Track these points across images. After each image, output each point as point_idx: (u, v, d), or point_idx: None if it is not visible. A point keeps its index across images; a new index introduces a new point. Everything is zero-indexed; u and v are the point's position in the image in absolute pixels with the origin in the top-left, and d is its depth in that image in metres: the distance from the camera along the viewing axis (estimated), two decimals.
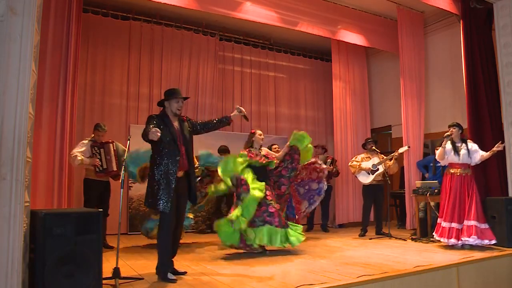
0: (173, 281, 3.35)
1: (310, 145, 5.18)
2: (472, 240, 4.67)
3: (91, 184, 5.14)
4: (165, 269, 3.44)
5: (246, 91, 8.36)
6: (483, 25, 6.18)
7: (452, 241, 4.78)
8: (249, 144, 5.06)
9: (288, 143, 5.19)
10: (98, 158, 5.11)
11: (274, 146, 6.37)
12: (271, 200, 4.75)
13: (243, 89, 8.33)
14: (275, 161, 5.09)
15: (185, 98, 3.77)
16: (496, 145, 4.93)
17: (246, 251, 4.64)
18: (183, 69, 7.59)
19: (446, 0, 6.32)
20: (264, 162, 4.92)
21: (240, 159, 4.82)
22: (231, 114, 4.03)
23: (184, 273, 3.63)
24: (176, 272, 3.59)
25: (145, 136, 3.40)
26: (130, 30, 7.21)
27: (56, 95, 4.76)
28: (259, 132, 5.13)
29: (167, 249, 3.49)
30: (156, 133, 3.28)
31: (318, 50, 9.09)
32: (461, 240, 4.73)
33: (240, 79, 8.31)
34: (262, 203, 4.65)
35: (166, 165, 3.46)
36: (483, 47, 6.10)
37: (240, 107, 4.06)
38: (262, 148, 5.15)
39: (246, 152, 4.91)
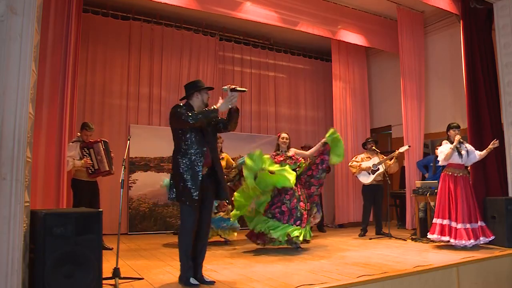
0: (196, 286, 3.15)
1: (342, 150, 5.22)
2: (491, 238, 4.78)
3: (81, 185, 4.99)
4: (188, 274, 3.20)
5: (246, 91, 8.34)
6: (483, 25, 6.18)
7: (472, 241, 4.74)
8: (276, 148, 5.31)
9: (324, 139, 5.17)
10: (89, 159, 4.98)
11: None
12: (288, 199, 4.86)
13: None
14: (303, 163, 5.25)
15: (211, 88, 3.64)
16: (492, 143, 4.97)
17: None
18: (183, 69, 7.59)
19: (446, 0, 6.32)
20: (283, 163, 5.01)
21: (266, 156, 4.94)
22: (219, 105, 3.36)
23: (212, 282, 3.30)
24: (203, 281, 3.28)
25: (204, 115, 3.16)
26: (130, 30, 7.21)
27: (56, 95, 4.75)
28: (282, 135, 5.31)
29: (188, 250, 3.23)
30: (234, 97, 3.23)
31: (318, 50, 9.09)
32: (479, 239, 4.77)
33: (240, 79, 8.30)
34: (277, 199, 4.86)
35: (191, 155, 3.23)
36: (483, 47, 6.09)
37: (226, 87, 3.38)
38: (290, 149, 5.29)
39: (270, 157, 5.05)
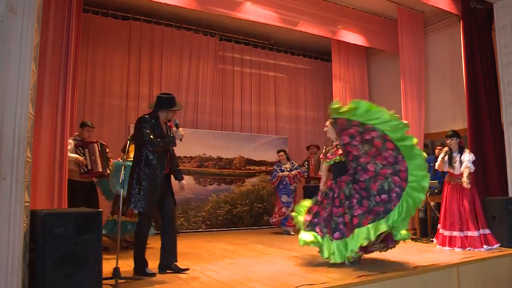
0: (152, 275, 3.51)
1: None
2: (495, 247, 4.71)
3: (75, 185, 4.87)
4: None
5: (246, 91, 8.36)
6: (483, 25, 6.18)
7: (457, 250, 4.76)
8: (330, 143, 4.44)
9: None
10: (83, 158, 4.92)
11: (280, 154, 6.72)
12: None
13: (243, 89, 8.34)
14: None
15: (179, 109, 3.93)
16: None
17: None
18: (183, 69, 7.59)
19: (446, 0, 6.32)
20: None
21: None
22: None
23: (186, 269, 3.70)
24: (178, 269, 3.67)
25: (164, 144, 3.59)
26: (130, 30, 7.22)
27: (56, 95, 4.75)
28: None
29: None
30: (182, 133, 3.65)
31: (318, 50, 9.09)
32: (484, 247, 4.68)
33: (240, 79, 8.32)
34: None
35: (155, 166, 3.57)
36: (483, 47, 6.09)
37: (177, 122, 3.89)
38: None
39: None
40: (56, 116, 4.74)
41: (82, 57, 6.12)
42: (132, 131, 6.64)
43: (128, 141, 4.10)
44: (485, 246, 4.70)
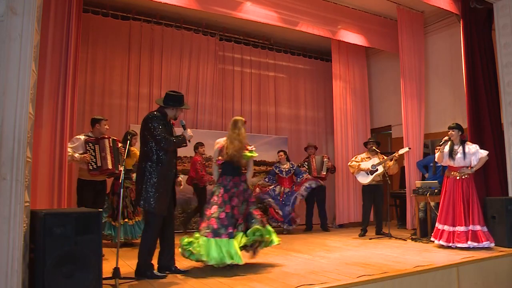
0: (163, 276, 3.49)
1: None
2: (484, 244, 4.67)
3: (84, 185, 4.76)
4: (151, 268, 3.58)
5: (246, 91, 8.36)
6: (483, 25, 6.18)
7: (442, 242, 4.81)
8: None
9: None
10: (92, 155, 4.70)
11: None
12: None
13: (243, 89, 8.33)
14: None
15: (187, 108, 3.92)
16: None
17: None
18: (183, 69, 7.59)
19: (446, 0, 6.33)
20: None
21: None
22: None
23: (186, 271, 3.69)
24: (178, 271, 3.66)
25: (178, 143, 3.54)
26: (130, 30, 7.20)
27: (56, 95, 4.75)
28: None
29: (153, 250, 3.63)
30: (190, 134, 3.61)
31: (318, 50, 9.09)
32: (468, 243, 4.68)
33: (240, 79, 8.31)
34: None
35: (166, 165, 3.51)
36: (483, 47, 6.10)
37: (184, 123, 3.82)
38: None
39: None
40: (56, 116, 4.73)
41: (82, 57, 6.11)
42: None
43: (128, 141, 4.09)
44: (469, 242, 4.66)
